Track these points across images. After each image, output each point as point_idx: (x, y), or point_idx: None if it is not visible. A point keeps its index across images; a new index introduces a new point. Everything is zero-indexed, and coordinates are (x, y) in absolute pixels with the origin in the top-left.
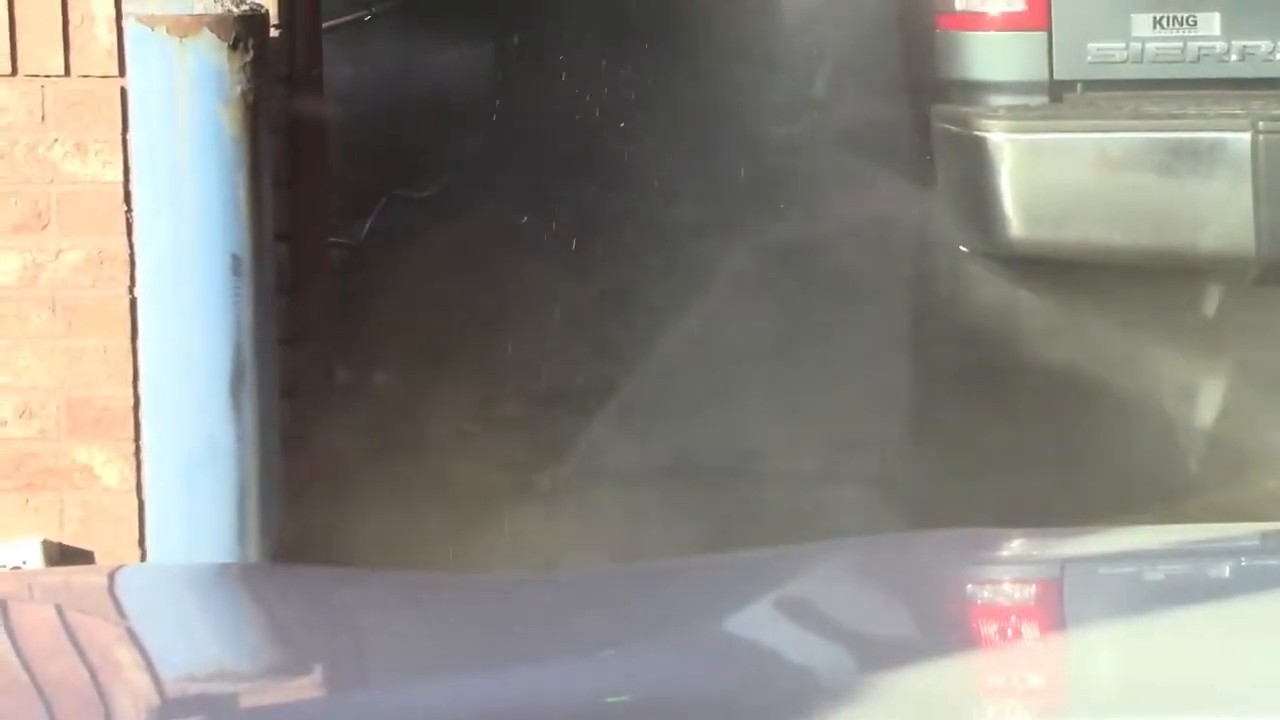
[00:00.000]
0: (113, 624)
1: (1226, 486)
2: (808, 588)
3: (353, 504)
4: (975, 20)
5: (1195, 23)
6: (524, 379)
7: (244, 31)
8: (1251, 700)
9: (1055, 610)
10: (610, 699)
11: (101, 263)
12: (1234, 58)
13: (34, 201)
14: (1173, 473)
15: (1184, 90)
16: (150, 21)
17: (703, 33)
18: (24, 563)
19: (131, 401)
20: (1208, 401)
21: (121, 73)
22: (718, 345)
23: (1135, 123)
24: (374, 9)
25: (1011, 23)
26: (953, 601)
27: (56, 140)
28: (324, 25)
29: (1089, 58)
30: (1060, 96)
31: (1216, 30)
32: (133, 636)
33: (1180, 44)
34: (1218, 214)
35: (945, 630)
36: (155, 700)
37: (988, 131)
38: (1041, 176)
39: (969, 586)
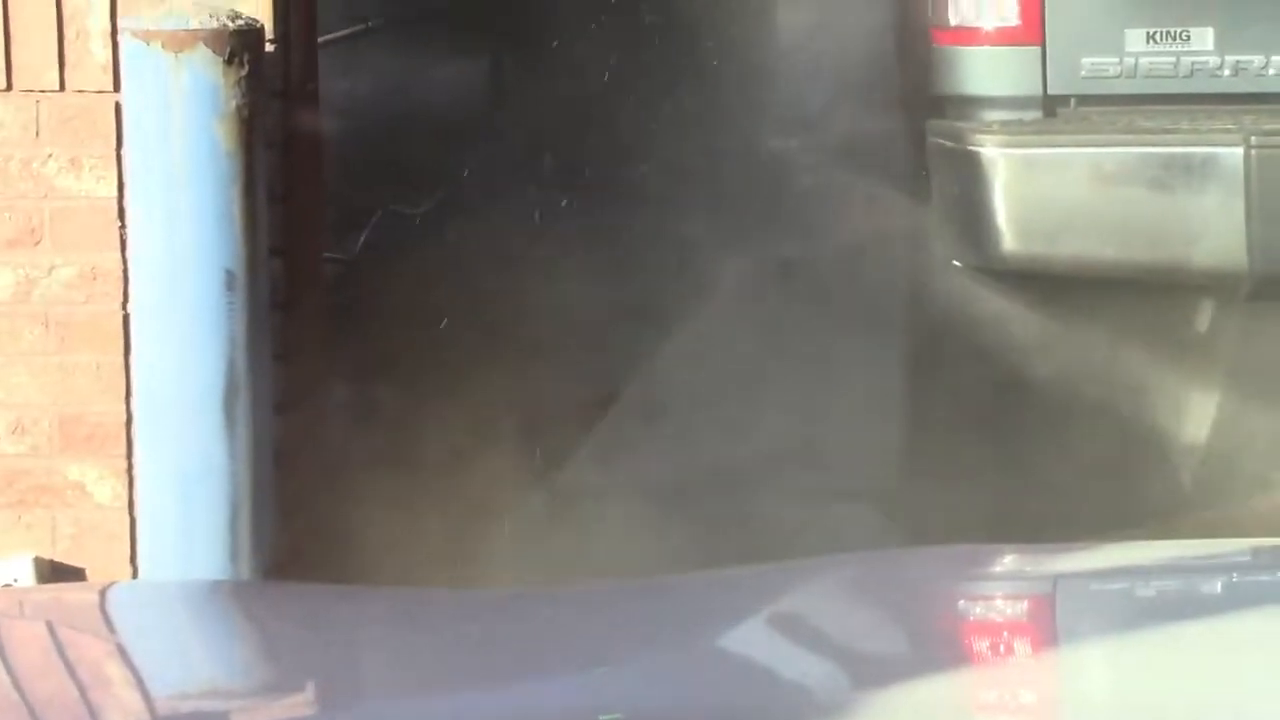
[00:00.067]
0: (104, 641)
1: (1219, 502)
2: (802, 603)
3: (347, 520)
4: (970, 35)
5: (1189, 38)
6: (520, 395)
7: (239, 46)
8: (1244, 716)
9: (1048, 626)
10: (604, 716)
11: (95, 279)
12: (1227, 73)
13: (28, 217)
14: (1166, 488)
15: (1177, 105)
16: (145, 37)
17: (701, 48)
18: (15, 580)
19: (124, 418)
20: (1200, 416)
21: (116, 88)
22: (714, 360)
23: (1129, 137)
24: (370, 24)
25: (1005, 38)
26: (947, 617)
27: (51, 155)
28: (320, 40)
29: (1083, 72)
30: (1054, 111)
31: (1210, 45)
32: (124, 654)
33: (1174, 59)
34: (1211, 229)
35: (939, 646)
36: (147, 718)
37: (981, 146)
38: (1035, 191)
39: (962, 602)
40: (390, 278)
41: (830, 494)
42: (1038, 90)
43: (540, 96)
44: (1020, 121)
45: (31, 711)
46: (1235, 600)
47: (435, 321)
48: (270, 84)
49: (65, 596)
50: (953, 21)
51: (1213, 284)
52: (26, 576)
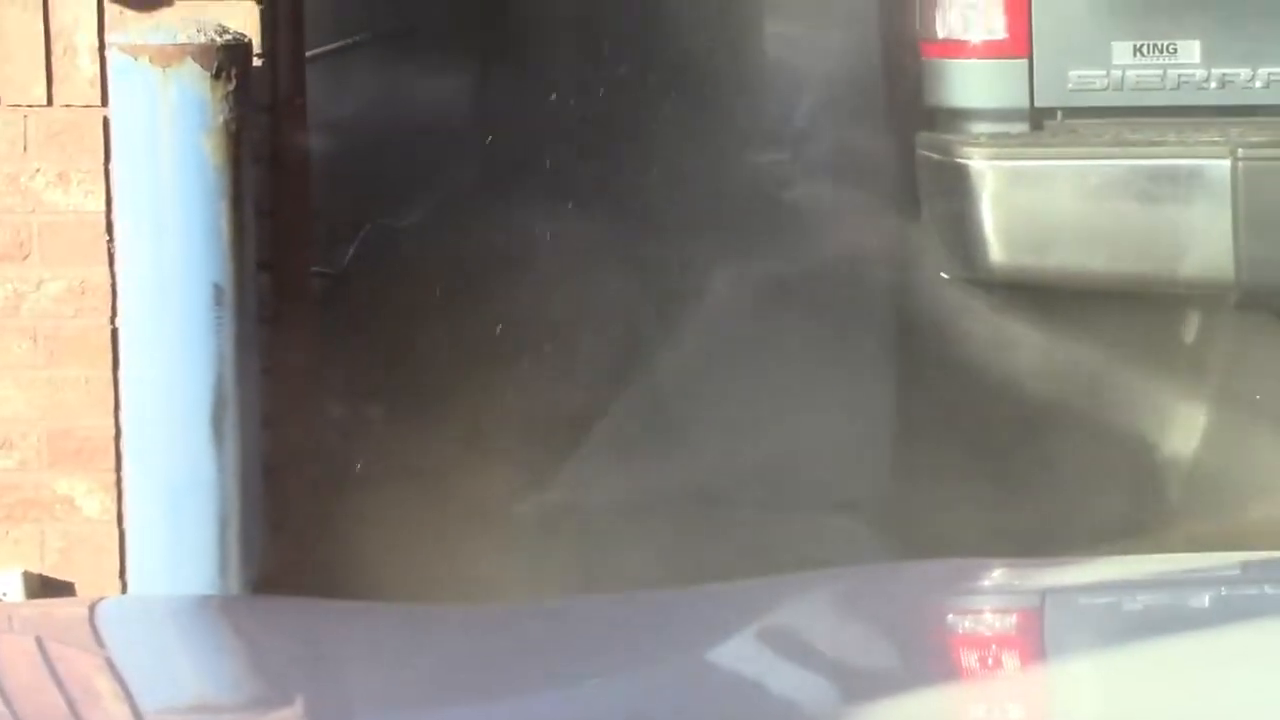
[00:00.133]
0: (93, 656)
1: (1208, 515)
2: (793, 618)
3: (335, 534)
4: (957, 48)
5: (1175, 51)
6: (509, 407)
7: (227, 61)
8: None
9: (1037, 640)
10: None
11: (83, 293)
12: (1213, 85)
13: (15, 231)
14: (1154, 501)
15: (1164, 118)
16: (133, 51)
17: (691, 61)
18: (4, 594)
19: (113, 432)
20: (1188, 428)
21: (104, 102)
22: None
23: (1115, 150)
24: (357, 39)
25: (993, 50)
26: (936, 632)
27: (39, 170)
28: (307, 54)
29: (1070, 85)
30: (1041, 124)
31: (1196, 58)
32: (113, 668)
33: (1160, 72)
34: (1197, 240)
35: (929, 660)
36: None
37: (968, 158)
38: (1022, 203)
39: (952, 617)
40: (378, 292)
41: (818, 506)
42: (1025, 103)
43: (527, 110)
44: (1007, 134)
45: None
46: (1224, 614)
47: (423, 335)
48: (258, 99)
49: (54, 611)
50: (940, 34)
51: (1200, 296)
52: (15, 591)
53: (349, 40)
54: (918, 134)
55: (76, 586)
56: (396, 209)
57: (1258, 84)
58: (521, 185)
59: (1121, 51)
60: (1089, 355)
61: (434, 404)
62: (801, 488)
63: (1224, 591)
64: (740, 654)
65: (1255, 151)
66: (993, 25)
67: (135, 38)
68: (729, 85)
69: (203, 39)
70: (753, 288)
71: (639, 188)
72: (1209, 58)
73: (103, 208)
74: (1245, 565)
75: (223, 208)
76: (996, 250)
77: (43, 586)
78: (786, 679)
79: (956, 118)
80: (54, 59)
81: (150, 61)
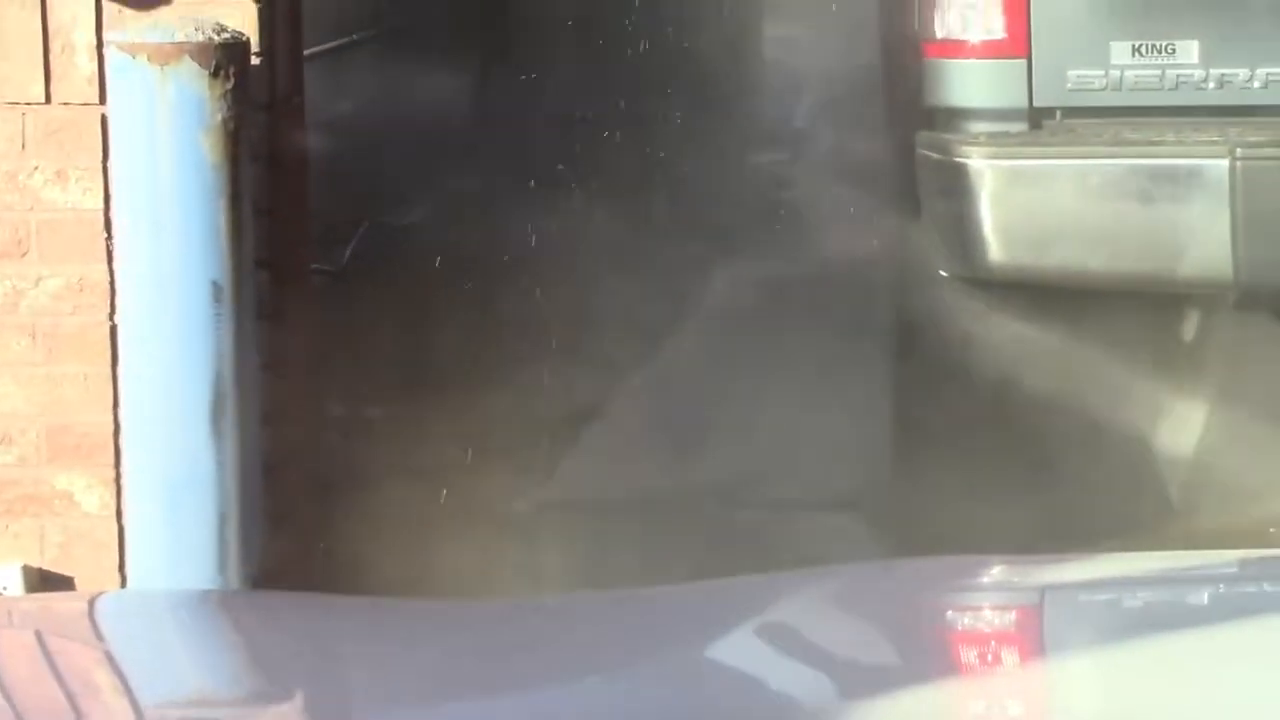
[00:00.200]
0: (93, 650)
1: (1206, 513)
2: (792, 615)
3: (334, 530)
4: (956, 48)
5: (1174, 51)
6: (507, 405)
7: (225, 59)
8: None
9: (1036, 637)
10: None
11: (82, 290)
12: (1212, 85)
13: (14, 229)
14: (1153, 499)
15: (1162, 117)
16: (131, 50)
17: (689, 61)
18: (4, 588)
19: (112, 428)
20: (1187, 427)
21: (102, 100)
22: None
23: (1114, 149)
24: (355, 37)
25: (992, 50)
26: (935, 628)
27: (37, 168)
28: (305, 53)
29: (1068, 85)
30: (1040, 123)
31: (1195, 58)
32: (113, 663)
33: (1159, 72)
34: (1196, 239)
35: (927, 657)
36: None
37: (968, 158)
38: (1021, 202)
39: (950, 613)
40: (377, 289)
41: (817, 503)
42: (1023, 102)
43: (526, 108)
44: (1006, 133)
45: None
46: (1222, 611)
47: (422, 332)
48: (256, 97)
49: (54, 605)
50: (939, 34)
51: (1199, 295)
52: (15, 585)
53: (347, 39)
54: (918, 133)
55: (76, 581)
56: (394, 207)
57: (1256, 84)
58: (520, 183)
59: (1120, 51)
60: (1088, 354)
61: (432, 400)
62: (799, 486)
63: (1222, 589)
64: (737, 650)
65: (1254, 151)
66: (992, 25)
67: (133, 36)
68: (729, 85)
69: (201, 37)
70: (752, 285)
71: (638, 186)
72: (1207, 58)
73: (101, 205)
74: (1244, 563)
75: (221, 205)
76: (995, 249)
77: (42, 581)
78: (783, 675)
79: (956, 117)
80: (52, 57)
81: (148, 60)
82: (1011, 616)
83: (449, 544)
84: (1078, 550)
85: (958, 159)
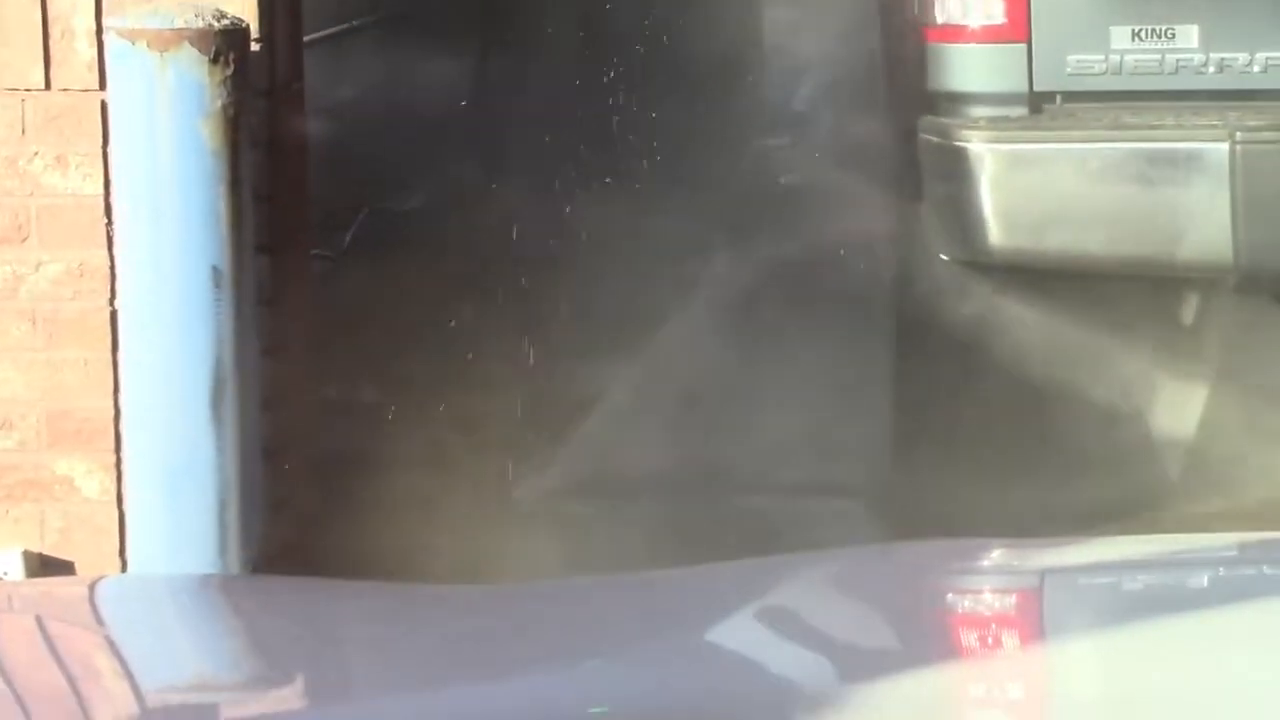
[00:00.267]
0: (93, 635)
1: (1206, 496)
2: (791, 598)
3: (334, 515)
4: (956, 33)
5: (1174, 35)
6: (505, 391)
7: (224, 46)
8: (1230, 710)
9: (1035, 620)
10: (593, 709)
11: (82, 275)
12: (1212, 70)
13: (14, 214)
14: (1152, 482)
15: (1162, 101)
16: (131, 36)
17: (691, 46)
18: (4, 573)
19: (112, 413)
20: (1187, 410)
21: (102, 86)
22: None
23: (1114, 133)
24: (355, 23)
25: (991, 35)
26: (935, 612)
27: (37, 153)
28: (305, 39)
29: (1068, 69)
30: (1040, 108)
31: (1194, 43)
32: (113, 647)
33: (1159, 56)
34: (1196, 223)
35: (927, 640)
36: (136, 711)
37: (968, 142)
38: (1021, 186)
39: (949, 596)
40: (377, 274)
41: (817, 488)
42: (1024, 87)
43: (527, 94)
44: (1007, 118)
45: (21, 705)
46: (1222, 594)
47: (422, 317)
48: (256, 83)
49: (54, 590)
50: (940, 19)
51: (1199, 278)
52: (15, 570)
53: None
54: (919, 118)
55: (76, 566)
56: (395, 192)
57: (1256, 68)
58: (519, 169)
59: (1120, 36)
60: (1088, 338)
61: (432, 386)
62: (798, 470)
63: (1222, 572)
64: (737, 633)
65: (1254, 135)
66: (991, 10)
67: (133, 22)
68: (730, 69)
69: (200, 24)
70: (753, 267)
71: (638, 172)
72: (1207, 42)
73: (101, 191)
74: (1243, 546)
75: (220, 191)
76: (996, 233)
77: (42, 566)
78: (783, 658)
79: (957, 102)
80: (52, 43)
81: (148, 46)
82: (1011, 599)
83: (449, 528)
84: (1077, 533)
85: (958, 143)
